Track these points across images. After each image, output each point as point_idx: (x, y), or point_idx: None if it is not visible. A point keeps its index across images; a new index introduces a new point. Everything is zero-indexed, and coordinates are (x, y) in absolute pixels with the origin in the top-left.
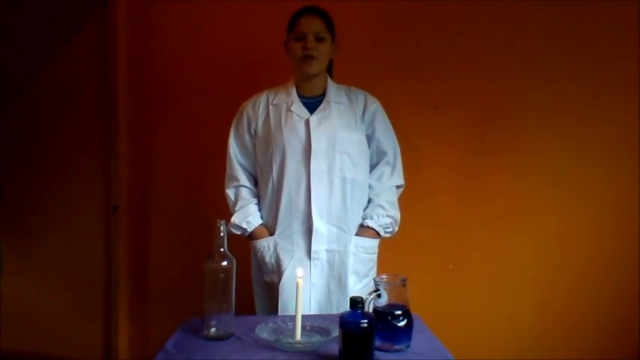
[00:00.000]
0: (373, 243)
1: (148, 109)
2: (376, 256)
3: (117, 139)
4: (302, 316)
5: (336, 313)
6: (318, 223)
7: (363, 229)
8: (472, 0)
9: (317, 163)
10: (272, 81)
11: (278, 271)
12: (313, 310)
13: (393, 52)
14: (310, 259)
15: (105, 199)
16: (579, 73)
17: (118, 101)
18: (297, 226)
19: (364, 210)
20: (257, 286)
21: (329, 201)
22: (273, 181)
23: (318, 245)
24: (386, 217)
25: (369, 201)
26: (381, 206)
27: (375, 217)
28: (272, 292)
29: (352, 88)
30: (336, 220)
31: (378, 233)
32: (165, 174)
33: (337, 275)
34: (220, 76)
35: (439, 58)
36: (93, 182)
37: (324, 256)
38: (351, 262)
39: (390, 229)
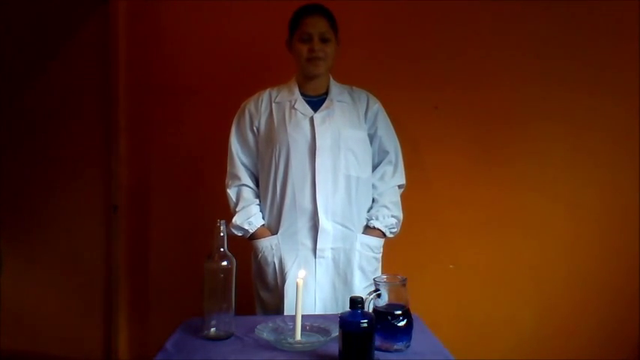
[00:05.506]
0: (379, 242)
1: (147, 109)
2: (380, 255)
3: (117, 139)
4: (302, 316)
5: (342, 312)
6: (323, 221)
7: (369, 230)
8: (473, 1)
9: (322, 161)
10: (273, 81)
11: (281, 272)
12: (318, 310)
13: (393, 51)
14: (315, 258)
15: (105, 199)
16: (580, 73)
17: (118, 101)
18: (302, 224)
19: (368, 211)
20: (259, 292)
21: (334, 198)
22: (276, 178)
23: (324, 243)
24: (391, 217)
25: (373, 201)
26: (385, 206)
27: (380, 218)
28: (275, 295)
29: (354, 87)
30: (340, 219)
31: (383, 233)
32: (165, 174)
33: (343, 273)
34: (220, 76)
35: (439, 58)
36: (93, 182)
37: (329, 254)
38: (356, 259)
39: (395, 229)
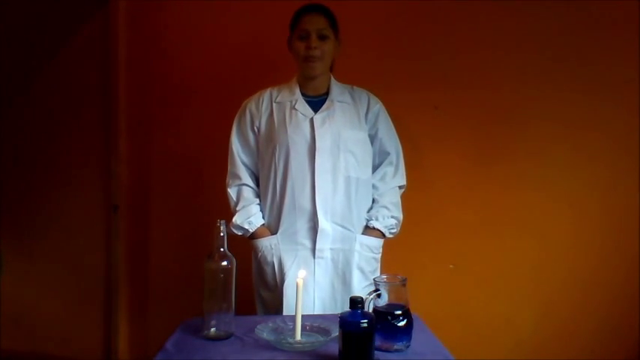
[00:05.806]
0: (378, 243)
1: (147, 109)
2: (380, 256)
3: (117, 139)
4: (302, 316)
5: (341, 312)
6: (323, 222)
7: (369, 230)
8: (473, 1)
9: (321, 162)
10: (273, 81)
11: (281, 271)
12: (317, 310)
13: (393, 51)
14: (314, 258)
15: (105, 199)
16: (580, 73)
17: (118, 101)
18: (301, 225)
19: (368, 211)
20: (259, 291)
21: (333, 200)
22: (276, 179)
23: (323, 244)
24: (390, 218)
25: (373, 201)
26: (385, 207)
27: (380, 218)
28: (275, 294)
29: (355, 87)
30: (340, 219)
31: (382, 234)
32: (165, 174)
33: (342, 274)
34: (220, 75)
35: (439, 58)
36: (93, 182)
37: (328, 254)
38: (355, 260)
39: (395, 230)
